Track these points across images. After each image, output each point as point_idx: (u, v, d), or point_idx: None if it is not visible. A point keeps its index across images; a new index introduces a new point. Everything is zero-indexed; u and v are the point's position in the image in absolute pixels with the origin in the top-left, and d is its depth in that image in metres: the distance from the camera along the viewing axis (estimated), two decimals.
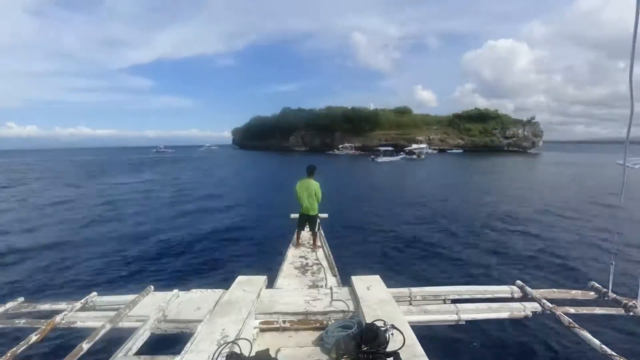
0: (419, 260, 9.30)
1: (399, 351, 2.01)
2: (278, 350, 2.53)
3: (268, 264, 6.18)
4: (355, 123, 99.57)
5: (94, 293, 3.41)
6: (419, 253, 9.95)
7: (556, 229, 12.65)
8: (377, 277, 3.58)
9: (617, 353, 2.27)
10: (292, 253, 5.69)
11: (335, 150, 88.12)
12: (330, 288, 3.65)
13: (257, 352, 2.15)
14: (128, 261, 9.47)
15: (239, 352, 2.13)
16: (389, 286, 3.38)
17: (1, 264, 9.32)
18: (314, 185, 6.11)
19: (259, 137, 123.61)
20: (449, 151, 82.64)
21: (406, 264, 9.06)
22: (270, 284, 4.01)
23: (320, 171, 6.90)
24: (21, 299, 3.32)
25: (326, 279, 4.37)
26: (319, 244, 6.18)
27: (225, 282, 3.54)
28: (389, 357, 1.99)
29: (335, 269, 4.82)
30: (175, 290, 3.38)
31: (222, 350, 2.11)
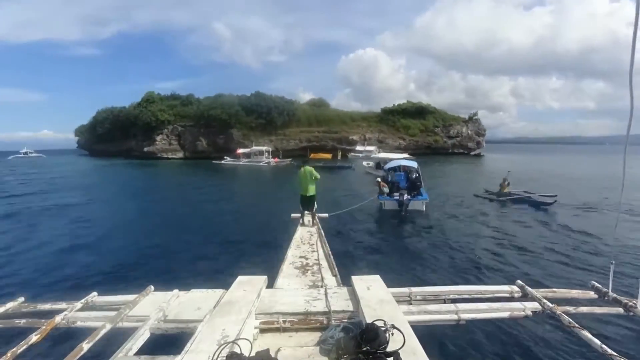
0: (419, 260, 9.30)
1: (399, 351, 2.01)
2: (278, 350, 2.53)
3: (268, 264, 6.17)
4: (262, 115, 66.44)
5: (94, 293, 3.41)
6: (419, 253, 9.95)
7: (556, 228, 12.65)
8: (377, 277, 3.59)
9: (617, 353, 2.27)
10: (292, 253, 5.68)
11: (226, 157, 53.77)
12: (331, 288, 3.66)
13: (257, 352, 2.15)
14: (128, 261, 9.47)
15: (239, 352, 2.12)
16: (389, 286, 3.38)
17: (1, 264, 9.33)
18: (309, 170, 8.19)
19: (112, 137, 78.32)
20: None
21: (406, 264, 9.05)
22: (270, 284, 4.01)
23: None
24: (21, 299, 3.32)
25: (326, 279, 4.37)
26: (316, 221, 7.69)
27: (225, 282, 3.54)
28: (389, 357, 1.99)
29: (335, 268, 4.82)
30: (175, 290, 3.38)
31: (222, 350, 2.11)
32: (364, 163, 37.05)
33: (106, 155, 75.22)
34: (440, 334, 5.12)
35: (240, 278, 3.60)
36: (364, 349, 2.02)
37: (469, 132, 78.59)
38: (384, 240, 11.57)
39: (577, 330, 2.61)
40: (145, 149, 68.08)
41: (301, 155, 54.84)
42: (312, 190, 8.18)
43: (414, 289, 3.42)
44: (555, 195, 16.79)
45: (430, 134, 76.18)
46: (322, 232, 6.95)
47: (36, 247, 10.92)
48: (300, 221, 7.80)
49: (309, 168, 8.26)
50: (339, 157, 55.47)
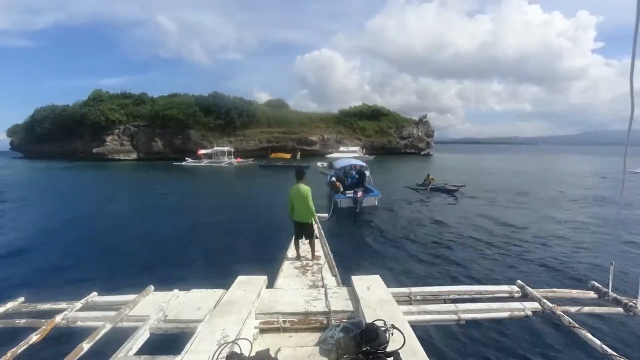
0: (419, 260, 9.30)
1: (399, 351, 2.01)
2: (278, 350, 2.54)
3: (268, 264, 6.17)
4: (221, 116, 65.78)
5: (94, 293, 3.42)
6: (419, 253, 9.95)
7: (556, 228, 12.65)
8: (377, 277, 3.60)
9: (617, 353, 2.27)
10: (291, 253, 5.68)
11: (188, 159, 51.62)
12: (331, 288, 3.66)
13: (257, 352, 2.15)
14: (128, 261, 9.47)
15: (239, 352, 2.12)
16: (389, 286, 3.39)
17: (2, 264, 9.33)
18: (304, 190, 5.60)
19: (53, 138, 71.66)
20: None
21: (406, 264, 9.06)
22: (270, 284, 4.01)
23: None
24: (21, 299, 3.33)
25: (326, 279, 4.37)
26: (318, 254, 5.57)
27: (225, 282, 3.54)
28: (389, 357, 1.99)
29: (335, 269, 4.82)
30: (175, 290, 3.38)
31: (222, 350, 2.11)
32: (319, 163, 37.59)
33: (46, 157, 68.35)
34: (440, 334, 5.13)
35: (240, 278, 3.60)
36: (364, 349, 2.02)
37: (419, 133, 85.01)
38: (343, 236, 11.66)
39: (577, 330, 2.62)
40: (94, 150, 64.50)
41: (262, 156, 55.11)
42: (307, 216, 5.67)
43: (414, 289, 3.43)
44: (464, 185, 21.60)
45: (385, 135, 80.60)
46: (322, 232, 6.96)
47: (36, 248, 10.92)
48: (295, 252, 5.58)
49: (304, 187, 5.65)
50: (298, 157, 56.13)
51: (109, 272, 8.59)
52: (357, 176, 17.96)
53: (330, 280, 4.39)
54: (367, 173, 18.22)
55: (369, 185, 17.51)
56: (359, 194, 15.44)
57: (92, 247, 10.97)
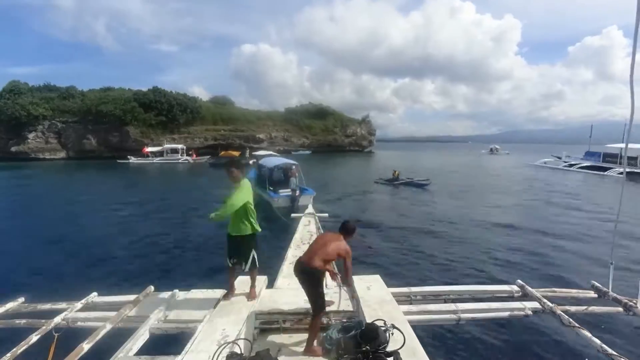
0: (419, 260, 9.30)
1: (399, 351, 2.01)
2: (278, 350, 2.54)
3: (268, 264, 6.16)
4: (162, 113, 61.78)
5: (94, 293, 3.42)
6: (419, 253, 9.94)
7: (556, 228, 12.66)
8: (377, 276, 3.60)
9: (617, 352, 2.27)
10: (292, 253, 5.70)
11: (130, 157, 48.28)
12: (331, 288, 3.66)
13: (257, 352, 2.15)
14: (128, 261, 9.47)
15: (239, 352, 2.13)
16: (389, 286, 3.40)
17: (2, 264, 9.33)
18: (245, 188, 3.62)
19: None
20: (294, 152, 57.34)
21: (406, 263, 9.05)
22: (270, 284, 4.01)
23: None
24: (21, 299, 3.33)
25: (326, 279, 4.37)
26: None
27: (225, 282, 3.54)
28: (389, 356, 1.99)
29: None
30: (175, 290, 3.39)
31: (222, 350, 2.11)
32: (250, 162, 37.91)
33: None
34: (440, 334, 5.12)
35: (240, 278, 3.60)
36: (364, 348, 2.03)
37: (362, 132, 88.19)
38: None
39: (577, 329, 2.62)
40: (13, 149, 57.40)
41: (211, 154, 53.77)
42: (247, 228, 3.57)
43: (414, 289, 3.43)
44: (429, 179, 23.85)
45: (331, 133, 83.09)
46: (322, 232, 6.97)
47: (36, 248, 10.92)
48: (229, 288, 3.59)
49: (246, 183, 3.71)
50: (247, 154, 53.52)
51: (109, 272, 8.59)
52: (283, 175, 17.83)
53: (330, 279, 4.39)
54: (295, 170, 17.21)
55: (301, 185, 16.84)
56: (297, 192, 15.35)
57: (93, 248, 10.96)
